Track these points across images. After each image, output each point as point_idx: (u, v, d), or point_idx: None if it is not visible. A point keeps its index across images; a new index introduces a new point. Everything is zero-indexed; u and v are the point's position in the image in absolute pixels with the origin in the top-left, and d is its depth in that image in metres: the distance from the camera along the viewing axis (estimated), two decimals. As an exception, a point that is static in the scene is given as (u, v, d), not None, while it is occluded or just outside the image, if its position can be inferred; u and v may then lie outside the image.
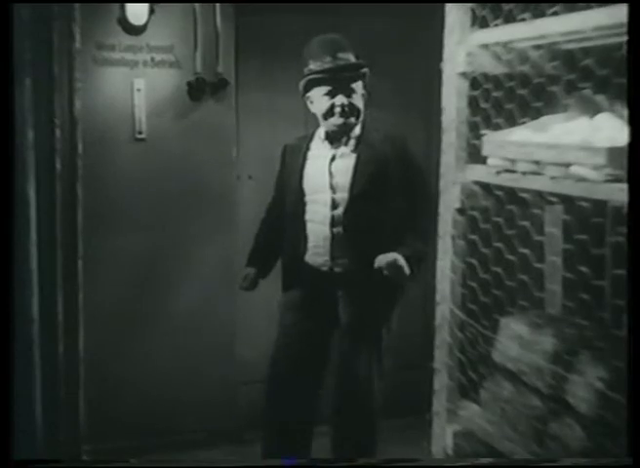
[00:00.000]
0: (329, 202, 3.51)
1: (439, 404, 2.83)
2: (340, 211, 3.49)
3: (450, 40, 2.65)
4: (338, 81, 3.47)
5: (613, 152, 2.04)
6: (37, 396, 3.82)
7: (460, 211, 2.67)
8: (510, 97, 2.50)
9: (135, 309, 4.42)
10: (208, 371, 4.47)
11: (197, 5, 4.35)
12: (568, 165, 2.15)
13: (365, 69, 3.56)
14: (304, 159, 3.62)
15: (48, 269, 3.88)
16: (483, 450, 2.68)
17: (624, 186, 1.97)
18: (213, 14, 4.39)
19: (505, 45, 2.55)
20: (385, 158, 3.50)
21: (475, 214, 2.64)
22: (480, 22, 2.57)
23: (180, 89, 4.38)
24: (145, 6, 4.26)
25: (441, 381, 2.80)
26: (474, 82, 2.63)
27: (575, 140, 2.19)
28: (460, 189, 2.65)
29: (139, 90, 4.32)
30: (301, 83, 3.55)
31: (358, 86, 3.53)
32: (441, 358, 2.79)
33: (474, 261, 2.68)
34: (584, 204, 2.25)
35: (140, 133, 4.33)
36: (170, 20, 4.35)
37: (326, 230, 3.51)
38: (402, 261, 3.34)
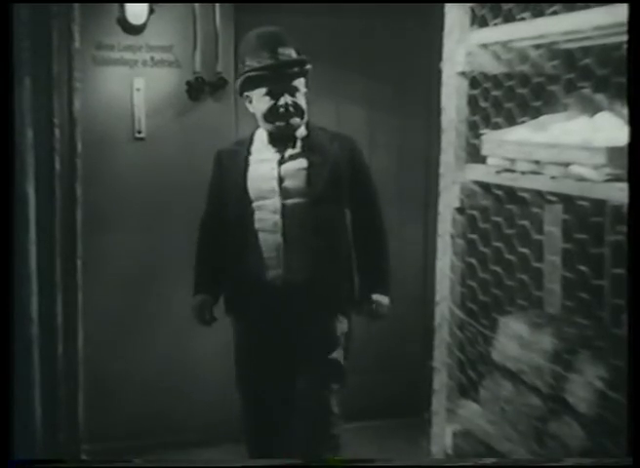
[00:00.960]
0: (278, 208, 3.23)
1: (439, 403, 2.83)
2: (292, 218, 3.23)
3: (449, 39, 2.65)
4: (280, 79, 3.21)
5: (612, 152, 2.04)
6: (36, 396, 3.82)
7: (460, 210, 2.67)
8: (510, 96, 2.51)
9: (134, 309, 4.42)
10: (208, 371, 4.47)
11: (196, 5, 4.35)
12: (567, 164, 2.15)
13: (308, 65, 3.27)
14: (246, 164, 3.32)
15: (47, 269, 3.88)
16: (482, 450, 2.68)
17: (624, 186, 1.97)
18: (212, 13, 4.39)
19: (505, 44, 2.55)
20: (336, 159, 3.29)
21: (475, 213, 2.64)
22: (479, 22, 2.57)
23: (180, 88, 4.38)
24: (145, 6, 4.26)
25: (441, 381, 2.80)
26: (474, 81, 2.63)
27: (574, 140, 2.19)
28: (459, 188, 2.65)
29: (138, 89, 4.32)
30: (238, 81, 3.30)
31: (301, 83, 3.26)
32: (441, 357, 2.79)
33: (474, 261, 2.68)
34: (584, 203, 2.25)
35: (140, 132, 4.33)
36: (169, 20, 4.35)
37: (277, 239, 3.23)
38: (385, 300, 3.31)
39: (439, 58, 2.71)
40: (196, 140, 4.40)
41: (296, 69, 3.23)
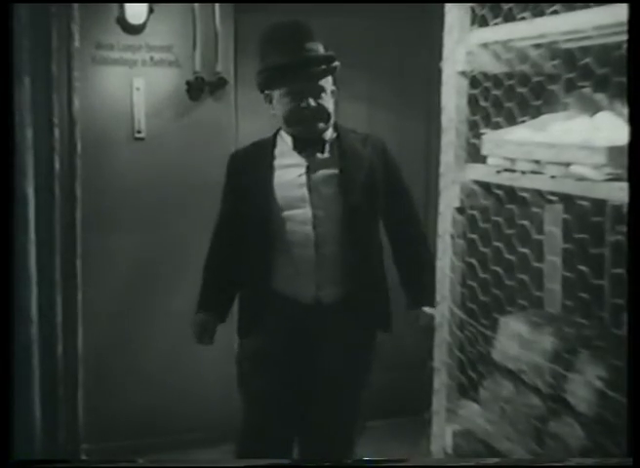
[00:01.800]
0: (309, 219, 2.94)
1: (438, 403, 2.83)
2: (325, 229, 2.95)
3: (449, 39, 2.65)
4: (305, 78, 2.89)
5: (613, 151, 2.04)
6: (36, 395, 3.82)
7: (460, 210, 2.67)
8: (510, 95, 2.50)
9: (134, 308, 4.42)
10: (207, 371, 4.47)
11: (196, 4, 4.35)
12: (568, 164, 2.15)
13: (337, 63, 2.98)
14: (272, 169, 3.01)
15: (47, 269, 3.88)
16: (482, 450, 2.68)
17: (624, 185, 1.96)
18: (212, 13, 4.39)
19: (505, 44, 2.55)
20: (371, 164, 3.02)
21: (475, 213, 2.64)
22: (480, 21, 2.56)
23: (180, 88, 4.39)
24: (144, 5, 4.26)
25: (440, 380, 2.79)
26: (474, 81, 2.63)
27: (574, 139, 2.19)
28: (459, 188, 2.65)
29: (138, 89, 4.32)
30: (259, 79, 2.99)
31: (328, 82, 2.97)
32: (440, 357, 2.78)
33: (474, 260, 2.68)
34: (584, 203, 2.25)
35: (140, 132, 4.33)
36: (169, 20, 4.35)
37: (309, 253, 2.94)
38: (434, 311, 2.89)
39: (439, 57, 2.71)
40: (196, 140, 4.40)
41: (323, 67, 2.93)
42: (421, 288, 3.09)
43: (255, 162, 3.08)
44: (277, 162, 3.04)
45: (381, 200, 3.07)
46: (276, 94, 2.96)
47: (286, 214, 2.97)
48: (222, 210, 3.21)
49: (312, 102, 2.90)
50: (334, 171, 3.00)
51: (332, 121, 3.01)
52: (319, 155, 3.02)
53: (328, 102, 2.97)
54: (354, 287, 2.96)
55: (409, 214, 3.18)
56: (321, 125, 2.96)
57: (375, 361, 3.15)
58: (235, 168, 3.16)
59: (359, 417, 3.16)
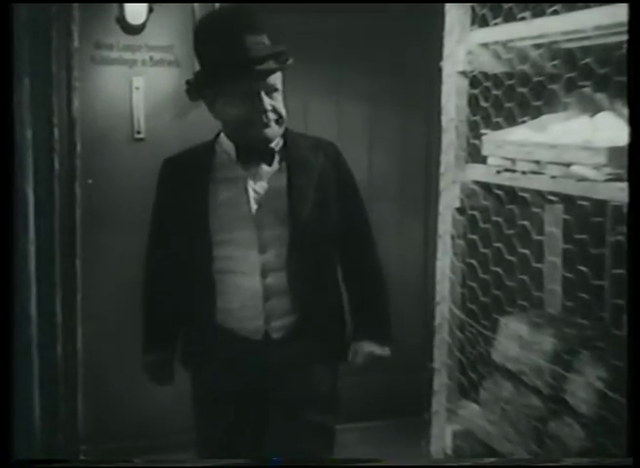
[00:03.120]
0: (254, 242, 2.54)
1: (439, 403, 2.83)
2: (272, 254, 2.55)
3: (450, 39, 2.65)
4: (254, 76, 2.47)
5: (613, 151, 2.04)
6: (35, 396, 3.81)
7: (460, 210, 2.67)
8: (510, 95, 2.50)
9: (133, 309, 4.41)
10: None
11: (196, 3, 4.35)
12: (568, 164, 2.15)
13: (291, 59, 2.55)
14: (207, 183, 2.59)
15: (46, 269, 3.88)
16: (482, 450, 2.68)
17: (625, 186, 1.96)
18: (212, 13, 4.39)
19: (505, 44, 2.55)
20: (323, 175, 2.63)
21: (475, 213, 2.64)
22: (480, 21, 2.56)
23: (179, 88, 4.37)
24: (144, 5, 4.25)
25: (441, 381, 2.80)
26: (474, 81, 2.63)
27: (575, 140, 2.19)
28: (459, 188, 2.65)
29: (137, 89, 4.31)
30: (196, 79, 2.61)
31: (278, 80, 2.54)
32: (441, 358, 2.78)
33: (474, 261, 2.68)
34: (584, 203, 2.25)
35: (139, 132, 4.32)
36: (169, 19, 4.34)
37: (255, 282, 2.55)
38: (378, 350, 2.68)
39: (440, 56, 2.71)
40: (196, 140, 4.39)
41: (273, 64, 2.51)
42: (365, 320, 2.72)
43: (189, 173, 2.65)
44: (215, 175, 2.62)
45: (334, 215, 2.66)
46: (221, 96, 2.54)
47: (226, 236, 2.56)
48: (153, 230, 2.78)
49: (267, 104, 2.50)
50: (281, 185, 2.59)
51: (284, 124, 2.59)
52: (265, 167, 2.60)
53: (281, 103, 2.56)
54: (306, 318, 2.58)
55: (363, 234, 2.76)
56: (276, 130, 2.55)
57: (337, 390, 2.72)
58: (167, 180, 2.72)
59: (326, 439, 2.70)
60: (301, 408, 2.61)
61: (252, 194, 2.57)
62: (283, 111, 2.55)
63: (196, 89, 2.62)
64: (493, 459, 2.52)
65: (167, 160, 2.77)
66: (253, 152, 2.59)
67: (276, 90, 2.53)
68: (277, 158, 2.61)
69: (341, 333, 2.73)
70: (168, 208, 2.70)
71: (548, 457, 2.39)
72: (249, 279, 2.56)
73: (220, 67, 2.50)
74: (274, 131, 2.54)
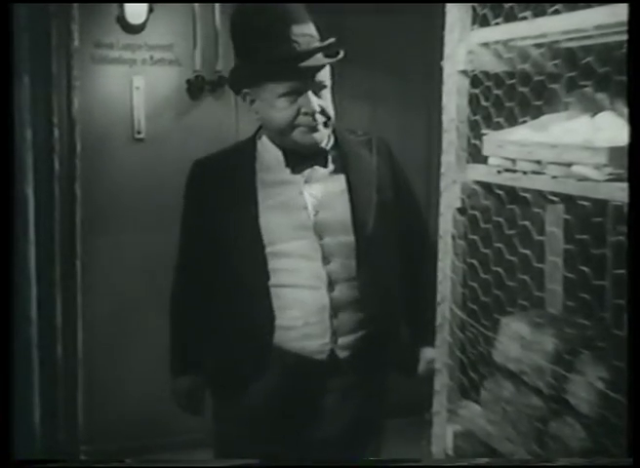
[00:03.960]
0: (317, 253, 2.31)
1: (439, 404, 2.82)
2: (337, 264, 2.33)
3: (450, 38, 2.64)
4: (303, 73, 2.24)
5: (614, 151, 2.03)
6: (36, 397, 3.81)
7: (461, 210, 2.66)
8: (511, 95, 2.49)
9: (133, 310, 4.41)
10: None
11: (196, 3, 4.35)
12: (569, 164, 2.14)
13: (342, 52, 2.34)
14: (255, 188, 2.33)
15: (46, 269, 3.88)
16: (483, 450, 2.67)
17: (626, 186, 1.96)
18: (212, 12, 4.39)
19: (506, 43, 2.55)
20: (381, 175, 2.43)
21: (476, 213, 2.63)
22: (481, 21, 2.56)
23: (180, 87, 4.38)
24: (144, 5, 4.26)
25: (441, 381, 2.79)
26: (475, 80, 2.62)
27: (576, 140, 2.19)
28: (460, 188, 2.64)
29: (137, 88, 4.31)
30: (237, 75, 2.39)
31: (327, 77, 2.34)
32: (441, 358, 2.77)
33: (475, 261, 2.67)
34: (585, 203, 2.24)
35: (140, 132, 4.33)
36: (169, 19, 4.35)
37: (320, 296, 2.31)
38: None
39: (440, 56, 2.70)
40: (196, 140, 4.39)
41: (322, 58, 2.28)
42: (423, 327, 2.53)
43: (230, 176, 2.40)
44: (262, 178, 2.37)
45: (394, 221, 2.48)
46: (263, 94, 2.29)
47: (281, 247, 2.31)
48: (185, 244, 2.56)
49: (315, 105, 2.26)
50: (340, 187, 2.36)
51: (332, 123, 2.40)
52: (319, 168, 2.37)
53: (329, 102, 2.35)
54: (376, 333, 2.39)
55: (423, 236, 2.57)
56: (324, 133, 2.33)
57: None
58: (202, 184, 2.45)
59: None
60: (363, 428, 2.43)
61: (309, 199, 2.34)
62: (332, 112, 2.36)
63: (232, 87, 2.43)
64: (488, 459, 2.52)
65: (199, 162, 2.51)
66: (302, 155, 2.35)
67: (324, 87, 2.33)
68: (331, 157, 2.40)
69: (406, 345, 2.59)
70: (205, 215, 2.43)
71: (548, 457, 2.38)
72: (313, 292, 2.31)
73: (262, 63, 2.26)
74: (322, 134, 2.32)
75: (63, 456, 4.04)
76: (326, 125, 2.33)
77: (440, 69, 2.70)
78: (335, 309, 2.33)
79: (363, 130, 2.60)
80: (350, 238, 2.34)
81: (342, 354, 2.36)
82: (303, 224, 2.32)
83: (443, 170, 2.72)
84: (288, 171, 2.36)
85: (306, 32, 2.28)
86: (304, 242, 2.32)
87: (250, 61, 2.31)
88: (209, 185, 2.45)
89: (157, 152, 4.33)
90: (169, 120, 4.37)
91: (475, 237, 2.65)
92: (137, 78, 4.28)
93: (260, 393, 2.37)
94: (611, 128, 2.21)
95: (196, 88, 4.38)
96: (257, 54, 2.27)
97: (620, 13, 1.97)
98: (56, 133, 3.93)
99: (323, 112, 2.32)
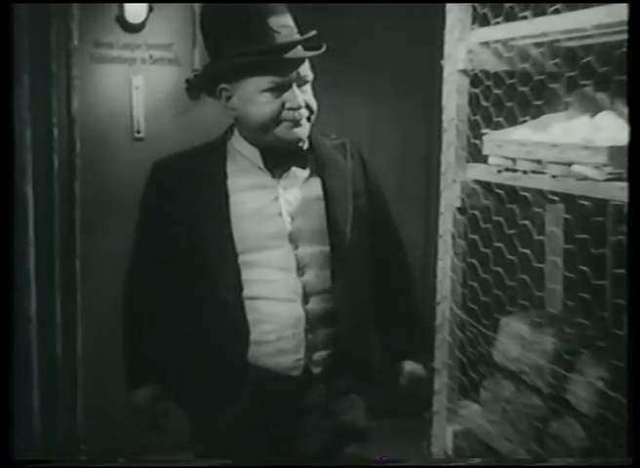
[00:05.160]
0: (292, 263, 2.16)
1: (439, 403, 2.82)
2: (311, 275, 2.18)
3: (450, 37, 2.64)
4: (286, 67, 2.11)
5: (614, 151, 2.03)
6: (35, 396, 3.81)
7: (461, 210, 2.66)
8: (511, 94, 2.49)
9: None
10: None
11: (195, 3, 4.35)
12: (569, 163, 2.14)
13: (324, 46, 2.19)
14: (225, 193, 2.17)
15: (45, 268, 3.88)
16: (483, 450, 2.67)
17: (626, 185, 1.96)
18: (211, 11, 4.38)
19: (506, 42, 2.55)
20: (355, 181, 2.29)
21: (476, 213, 2.63)
22: (481, 20, 2.56)
23: (179, 86, 4.37)
24: (144, 4, 4.25)
25: (441, 381, 2.79)
26: (475, 79, 2.62)
27: (576, 139, 2.19)
28: (460, 188, 2.64)
29: (137, 88, 4.31)
30: (205, 73, 2.24)
31: (308, 69, 2.18)
32: (441, 358, 2.77)
33: (475, 261, 2.67)
34: (585, 203, 2.24)
35: (139, 132, 4.32)
36: (168, 18, 4.34)
37: (295, 309, 2.16)
38: (420, 369, 2.50)
39: (440, 55, 2.70)
40: (195, 139, 4.38)
41: (304, 51, 2.15)
42: (401, 340, 2.49)
43: (197, 180, 2.22)
44: (233, 182, 2.20)
45: (368, 231, 2.35)
46: (243, 89, 2.13)
47: (253, 256, 2.16)
48: (141, 250, 2.42)
49: (301, 99, 2.12)
50: (316, 193, 2.22)
51: (313, 120, 2.23)
52: (297, 171, 2.22)
53: (312, 97, 2.19)
54: (350, 348, 2.25)
55: (393, 240, 2.51)
56: (307, 128, 2.17)
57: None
58: (163, 189, 2.27)
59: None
60: (342, 443, 2.31)
61: (284, 205, 2.18)
62: (315, 106, 2.18)
63: (205, 84, 2.24)
64: (487, 459, 2.52)
65: (159, 164, 2.34)
66: (281, 155, 2.19)
67: (307, 81, 2.17)
68: (307, 159, 2.24)
69: (376, 362, 2.44)
70: (167, 221, 2.26)
71: (548, 457, 2.38)
72: (288, 305, 2.16)
73: (241, 57, 2.10)
74: (305, 129, 2.17)
75: (62, 456, 4.04)
76: (309, 120, 2.18)
77: (440, 68, 2.70)
78: (310, 323, 2.18)
79: (335, 133, 2.43)
80: (325, 247, 2.21)
81: (317, 369, 2.21)
82: (278, 233, 2.17)
83: (443, 169, 2.72)
84: (263, 174, 2.20)
85: (285, 23, 2.16)
86: (278, 251, 2.17)
87: (227, 56, 2.13)
88: (173, 189, 2.25)
89: (156, 151, 4.30)
90: (168, 119, 4.37)
91: (475, 236, 2.65)
92: (136, 77, 4.27)
93: (233, 410, 2.22)
94: (611, 127, 2.21)
95: (195, 87, 4.38)
96: (236, 47, 2.11)
97: (620, 12, 1.97)
98: (55, 132, 3.93)
99: (307, 107, 2.16)
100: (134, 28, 4.27)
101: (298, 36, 2.19)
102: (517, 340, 2.56)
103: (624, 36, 2.08)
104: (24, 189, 3.70)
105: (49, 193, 3.91)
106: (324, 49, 2.20)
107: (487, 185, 2.58)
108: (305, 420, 2.25)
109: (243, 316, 2.17)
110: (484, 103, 2.58)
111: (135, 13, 4.23)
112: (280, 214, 2.18)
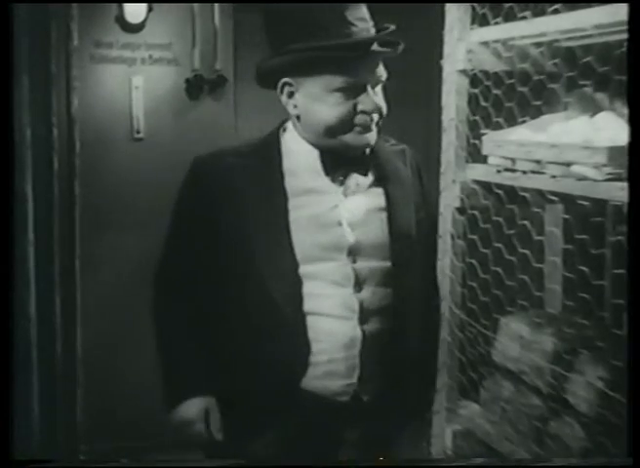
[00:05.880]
0: (350, 278, 1.94)
1: (439, 403, 2.82)
2: (368, 292, 1.95)
3: (450, 37, 2.65)
4: (365, 64, 1.89)
5: (613, 151, 2.03)
6: (35, 396, 3.81)
7: (460, 210, 2.66)
8: (510, 95, 2.50)
9: (133, 309, 4.41)
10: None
11: (195, 3, 4.34)
12: (568, 164, 2.14)
13: (402, 44, 1.98)
14: (283, 195, 1.95)
15: (45, 269, 3.87)
16: (483, 450, 2.67)
17: (625, 185, 1.96)
18: (211, 11, 4.38)
19: (505, 42, 2.55)
20: (416, 191, 2.07)
21: (475, 213, 2.63)
22: (480, 20, 2.56)
23: (178, 86, 4.37)
24: (143, 4, 4.25)
25: (441, 381, 2.79)
26: (474, 79, 2.62)
27: (575, 139, 2.19)
28: (459, 188, 2.64)
29: (137, 87, 4.30)
30: (278, 63, 1.92)
31: (382, 69, 1.94)
32: (441, 357, 2.77)
33: (474, 261, 2.67)
34: (585, 203, 2.25)
35: (139, 132, 4.32)
36: (168, 18, 4.34)
37: (350, 329, 1.93)
38: None
39: (440, 55, 2.71)
40: (195, 139, 4.38)
41: (382, 48, 1.92)
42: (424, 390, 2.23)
43: (251, 179, 1.98)
44: (290, 183, 1.97)
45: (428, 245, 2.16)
46: (310, 86, 1.91)
47: (308, 268, 1.93)
48: (175, 257, 2.20)
49: (373, 102, 1.90)
50: (379, 203, 1.99)
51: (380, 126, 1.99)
52: (359, 178, 1.99)
53: (382, 99, 1.96)
54: (403, 374, 2.02)
55: (431, 262, 2.26)
56: (375, 133, 1.95)
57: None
58: (208, 187, 2.03)
59: None
60: None
61: (344, 214, 1.95)
62: (385, 109, 1.96)
63: (269, 75, 1.97)
64: (487, 459, 2.52)
65: (203, 159, 2.11)
66: (342, 159, 1.96)
67: (381, 82, 1.95)
68: (369, 166, 2.00)
69: (432, 388, 2.33)
70: (214, 229, 2.01)
71: (549, 457, 2.38)
72: (343, 324, 1.94)
73: (314, 51, 1.87)
74: (374, 135, 1.95)
75: (62, 456, 4.04)
76: (378, 124, 1.95)
77: (440, 69, 2.71)
78: (366, 346, 1.95)
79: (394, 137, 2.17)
80: (386, 263, 1.98)
81: (367, 396, 1.98)
82: (336, 244, 1.94)
83: (442, 169, 2.72)
84: (321, 178, 1.96)
85: (362, 16, 1.93)
86: (335, 264, 1.94)
87: (295, 49, 1.89)
88: (220, 188, 2.01)
89: (156, 151, 4.33)
90: (168, 119, 4.36)
91: (474, 237, 2.65)
92: (136, 78, 4.27)
93: (276, 433, 2.01)
94: (610, 128, 2.21)
95: (195, 87, 4.37)
96: (307, 39, 1.87)
97: (620, 12, 1.97)
98: (55, 132, 3.91)
99: (380, 112, 1.94)
100: (133, 28, 4.27)
101: (373, 31, 1.96)
102: (517, 340, 2.57)
103: (624, 36, 2.09)
104: (24, 189, 3.69)
105: (49, 193, 3.90)
106: (402, 48, 1.98)
107: (486, 185, 2.58)
108: (347, 451, 2.03)
109: (304, 332, 1.93)
110: (483, 104, 2.58)
111: (134, 13, 4.23)
112: (339, 224, 1.95)
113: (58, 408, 4.01)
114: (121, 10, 4.22)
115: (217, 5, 4.36)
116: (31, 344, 3.77)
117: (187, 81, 4.36)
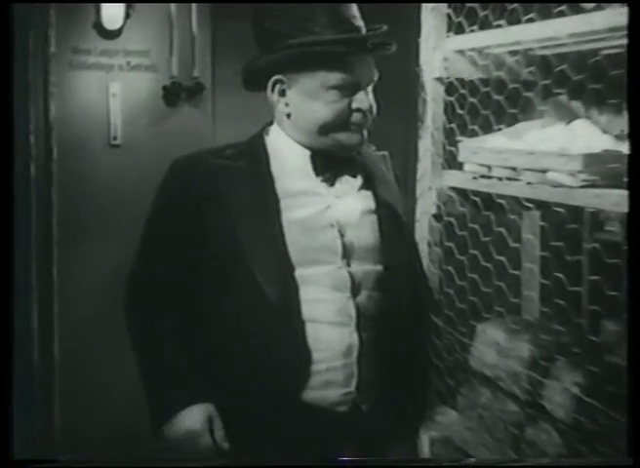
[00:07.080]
0: (346, 282, 1.89)
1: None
2: (364, 297, 1.91)
3: (426, 45, 2.66)
4: (359, 62, 1.88)
5: (588, 158, 2.05)
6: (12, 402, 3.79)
7: (437, 217, 2.67)
8: (486, 102, 2.51)
9: (110, 316, 4.39)
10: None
11: (173, 8, 4.33)
12: (544, 171, 2.16)
13: (394, 45, 1.99)
14: (275, 197, 1.90)
15: (22, 275, 3.85)
16: (460, 457, 2.68)
17: (600, 192, 1.98)
18: (189, 17, 4.37)
19: (481, 51, 2.56)
20: (397, 192, 2.07)
21: (451, 219, 2.64)
22: (456, 28, 2.57)
23: (156, 93, 4.36)
24: (121, 10, 4.23)
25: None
26: (450, 87, 2.63)
27: (551, 147, 2.20)
28: (436, 195, 2.65)
29: (114, 95, 4.29)
30: (272, 60, 1.89)
31: (374, 71, 1.95)
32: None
33: (450, 268, 2.68)
34: (561, 210, 2.26)
35: (115, 138, 4.30)
36: (145, 24, 4.33)
37: (347, 335, 1.88)
38: None
39: (416, 62, 2.72)
40: (173, 146, 4.37)
41: (380, 48, 1.95)
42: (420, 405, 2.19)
43: (235, 183, 1.92)
44: (280, 185, 1.92)
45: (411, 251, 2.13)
46: (305, 83, 1.87)
47: (304, 272, 1.87)
48: (149, 266, 2.13)
49: (367, 102, 1.89)
50: (368, 206, 1.97)
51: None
52: (349, 180, 1.96)
53: (373, 99, 1.95)
54: (403, 382, 1.99)
55: (423, 300, 2.20)
56: (366, 134, 1.94)
57: None
58: (192, 191, 1.96)
59: None
60: None
61: (337, 215, 1.91)
62: (375, 109, 1.95)
63: (261, 72, 1.94)
64: (484, 459, 2.52)
65: (181, 161, 2.05)
66: (332, 160, 1.93)
67: (373, 81, 1.94)
68: (357, 169, 1.98)
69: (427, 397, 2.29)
70: (196, 230, 1.94)
71: (545, 457, 2.39)
72: (341, 331, 1.88)
73: (309, 47, 1.85)
74: (364, 135, 1.94)
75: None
76: (369, 126, 1.95)
77: (417, 77, 2.72)
78: (364, 353, 1.90)
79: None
80: (378, 267, 1.94)
81: (366, 406, 1.93)
82: (329, 246, 1.89)
83: (418, 176, 2.73)
84: (311, 179, 1.93)
85: (355, 14, 1.91)
86: (330, 268, 1.88)
87: (290, 45, 1.86)
88: (204, 190, 1.94)
89: (133, 158, 4.31)
90: (145, 126, 4.35)
91: (451, 244, 2.65)
92: (113, 84, 4.25)
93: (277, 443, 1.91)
94: (585, 135, 2.23)
95: (173, 94, 4.36)
96: (304, 34, 1.84)
97: (594, 21, 1.99)
98: (32, 138, 3.90)
99: (372, 111, 1.93)
100: (111, 35, 4.26)
101: (365, 30, 1.96)
102: (493, 347, 2.57)
103: (598, 44, 2.11)
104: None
105: (26, 200, 3.88)
106: (393, 48, 1.99)
107: (463, 192, 2.59)
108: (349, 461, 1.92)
109: (304, 341, 1.87)
110: (459, 111, 2.59)
111: (111, 19, 4.22)
112: (332, 226, 1.90)
113: (34, 415, 3.99)
114: (99, 16, 4.21)
115: (194, 12, 4.36)
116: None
117: (165, 88, 4.35)
